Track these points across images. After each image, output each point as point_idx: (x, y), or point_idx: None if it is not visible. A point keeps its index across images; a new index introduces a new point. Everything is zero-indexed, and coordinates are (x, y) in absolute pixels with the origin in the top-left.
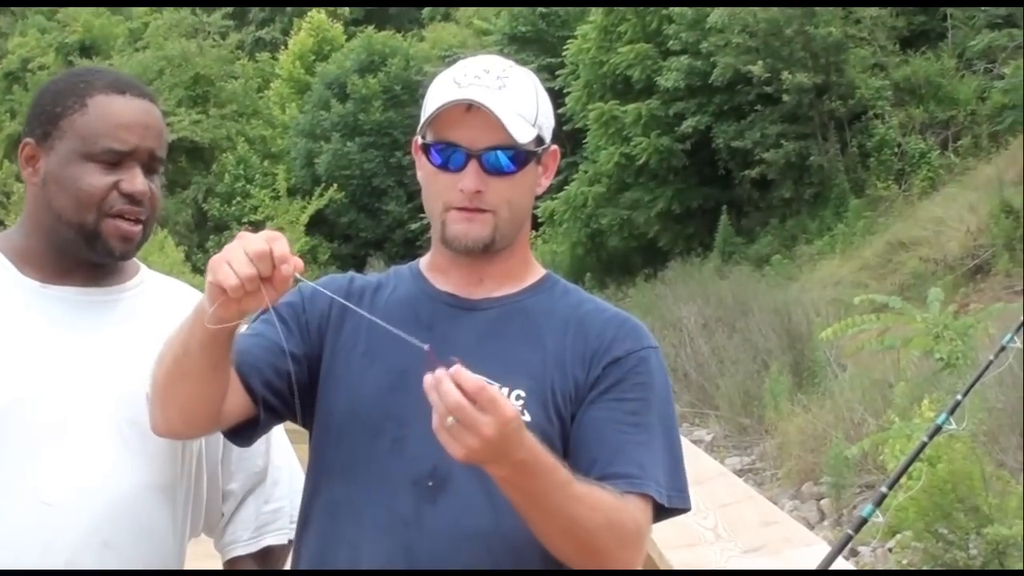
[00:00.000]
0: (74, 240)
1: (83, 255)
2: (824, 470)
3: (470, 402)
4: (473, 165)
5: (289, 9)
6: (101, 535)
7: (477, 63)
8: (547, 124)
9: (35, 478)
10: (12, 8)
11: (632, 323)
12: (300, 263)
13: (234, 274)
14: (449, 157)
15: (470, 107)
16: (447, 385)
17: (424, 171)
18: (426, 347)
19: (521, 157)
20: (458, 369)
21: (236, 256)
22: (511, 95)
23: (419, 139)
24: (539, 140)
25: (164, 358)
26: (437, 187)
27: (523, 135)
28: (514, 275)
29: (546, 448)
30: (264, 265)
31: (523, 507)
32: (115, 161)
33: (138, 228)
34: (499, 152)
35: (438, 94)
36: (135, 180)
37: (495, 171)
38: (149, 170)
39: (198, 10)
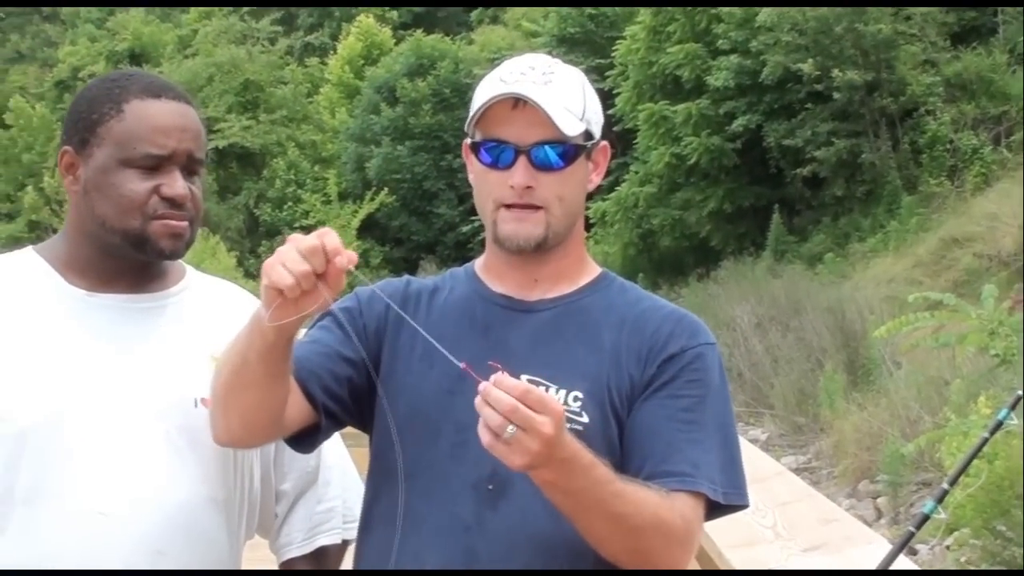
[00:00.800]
0: (121, 245)
1: (132, 257)
2: (880, 468)
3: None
4: (522, 161)
5: (337, 14)
6: (156, 543)
7: (523, 61)
8: (595, 119)
9: (88, 487)
10: (62, 17)
11: (689, 319)
12: (354, 256)
13: (288, 273)
14: (498, 155)
15: (517, 103)
16: (496, 392)
17: (474, 171)
18: (462, 364)
19: (570, 152)
20: (500, 377)
21: (289, 256)
22: (557, 90)
23: (468, 140)
24: (588, 135)
25: (223, 368)
26: (488, 185)
27: (571, 128)
28: (569, 274)
29: (585, 447)
30: (317, 260)
31: (569, 509)
32: (154, 165)
33: (185, 224)
34: (547, 147)
35: (484, 92)
36: (175, 184)
37: (544, 166)
38: (189, 172)
39: (247, 16)
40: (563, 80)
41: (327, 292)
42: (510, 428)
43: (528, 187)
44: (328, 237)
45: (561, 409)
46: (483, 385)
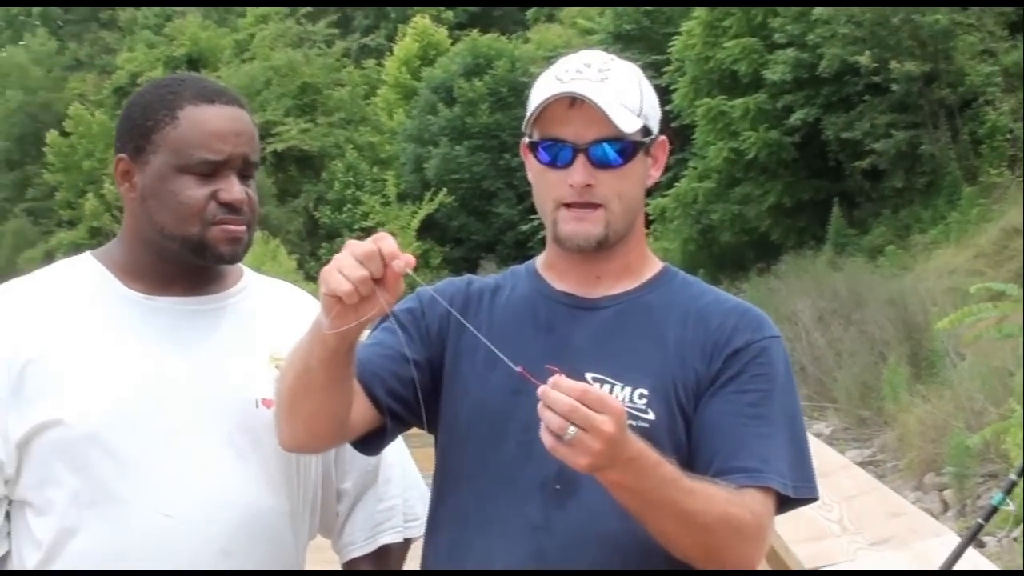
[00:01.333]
0: (180, 251)
1: (190, 262)
2: (946, 460)
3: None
4: (581, 159)
5: (393, 15)
6: (221, 544)
7: (578, 58)
8: (653, 114)
9: (152, 490)
10: (120, 24)
11: (753, 313)
12: (411, 259)
13: (346, 279)
14: (556, 154)
15: (573, 102)
16: (555, 394)
17: (533, 170)
18: (518, 368)
19: (628, 149)
20: (557, 379)
21: (346, 262)
22: (614, 87)
23: (526, 139)
24: (646, 131)
25: (286, 374)
26: (547, 185)
27: (628, 125)
28: (632, 271)
29: (649, 445)
30: (374, 265)
31: (637, 508)
32: (210, 171)
33: (243, 228)
34: (606, 145)
35: (541, 91)
36: (232, 189)
37: (603, 164)
38: (244, 176)
39: (303, 19)
40: (619, 76)
41: (385, 297)
42: (571, 429)
43: (587, 185)
44: (384, 241)
45: (622, 408)
46: (541, 389)
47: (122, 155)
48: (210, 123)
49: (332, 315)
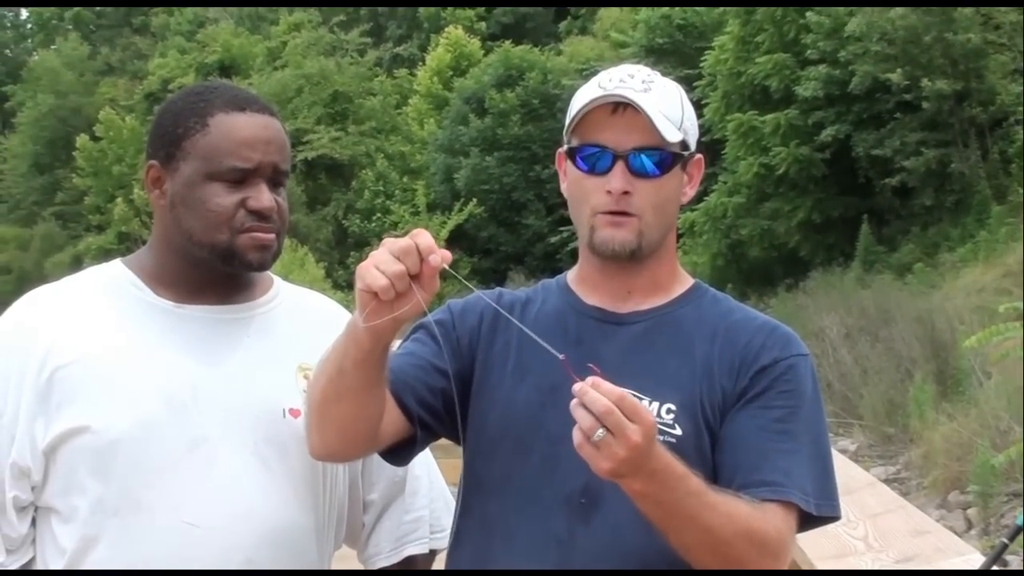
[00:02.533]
0: (208, 258)
1: (219, 270)
2: (970, 479)
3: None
4: (620, 166)
5: (426, 25)
6: (245, 554)
7: (622, 69)
8: (692, 131)
9: (177, 499)
10: (152, 30)
11: (781, 331)
12: (448, 254)
13: (382, 275)
14: (595, 162)
15: (616, 109)
16: (593, 394)
17: (570, 178)
18: (561, 356)
19: (667, 161)
20: (597, 380)
21: (382, 257)
22: (657, 97)
23: (564, 147)
24: (684, 145)
25: (318, 380)
26: (584, 192)
27: (669, 135)
28: (662, 286)
29: (677, 458)
30: (411, 260)
31: (660, 520)
32: (240, 179)
33: (272, 236)
34: (644, 155)
35: (583, 97)
36: (261, 197)
37: (641, 173)
38: (274, 184)
39: (336, 28)
40: (662, 89)
41: (421, 293)
42: (600, 431)
43: (625, 193)
44: (421, 237)
45: (653, 421)
46: (578, 386)
47: (153, 162)
48: (240, 131)
49: (367, 311)
